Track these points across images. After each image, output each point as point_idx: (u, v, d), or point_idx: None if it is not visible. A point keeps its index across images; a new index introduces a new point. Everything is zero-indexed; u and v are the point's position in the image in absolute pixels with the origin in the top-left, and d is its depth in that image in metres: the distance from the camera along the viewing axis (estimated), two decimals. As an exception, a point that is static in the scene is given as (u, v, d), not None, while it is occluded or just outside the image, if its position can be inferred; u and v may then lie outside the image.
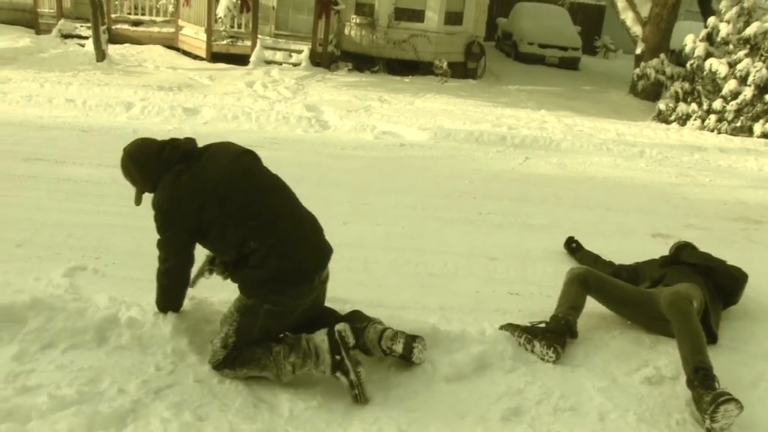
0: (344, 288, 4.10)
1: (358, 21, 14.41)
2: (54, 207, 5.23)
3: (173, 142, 3.32)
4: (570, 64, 18.76)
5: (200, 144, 3.39)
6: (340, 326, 3.15)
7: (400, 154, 7.93)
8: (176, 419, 2.83)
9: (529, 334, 3.66)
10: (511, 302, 4.32)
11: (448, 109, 10.92)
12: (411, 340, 3.29)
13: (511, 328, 3.73)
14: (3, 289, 3.61)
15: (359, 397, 3.11)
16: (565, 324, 3.72)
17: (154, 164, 3.23)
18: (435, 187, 6.68)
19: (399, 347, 3.27)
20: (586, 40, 20.57)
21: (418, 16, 14.25)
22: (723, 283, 4.16)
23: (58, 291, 3.69)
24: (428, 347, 3.42)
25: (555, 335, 3.64)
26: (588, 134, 10.03)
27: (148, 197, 3.30)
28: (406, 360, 3.33)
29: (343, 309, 3.74)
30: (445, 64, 13.74)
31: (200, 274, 3.52)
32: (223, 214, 3.09)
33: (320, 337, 3.15)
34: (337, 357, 3.10)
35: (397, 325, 3.48)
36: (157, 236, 3.20)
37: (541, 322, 3.75)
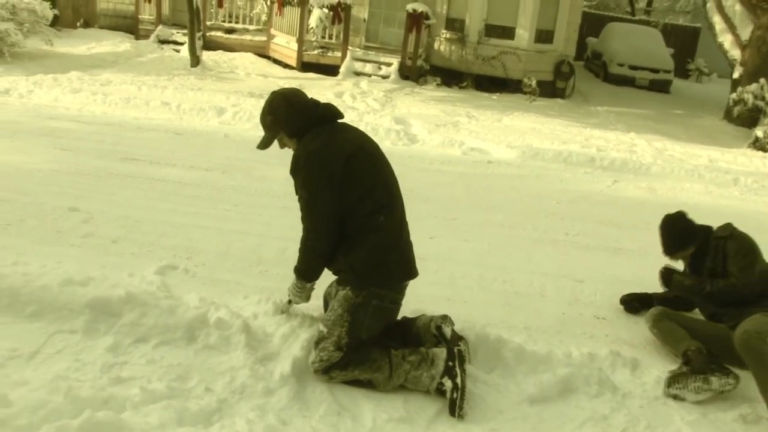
0: (430, 302, 4.10)
1: (448, 36, 14.45)
2: (148, 206, 5.43)
3: (324, 103, 3.39)
4: (661, 87, 18.30)
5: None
6: (462, 345, 3.31)
7: (487, 171, 7.89)
8: (261, 421, 2.88)
9: (698, 373, 3.50)
10: (597, 326, 4.22)
11: (536, 128, 10.81)
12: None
13: (678, 382, 3.51)
14: (100, 282, 3.76)
15: (457, 402, 3.12)
16: (708, 352, 3.61)
17: (308, 114, 3.27)
18: (522, 205, 6.61)
19: (448, 330, 3.39)
20: (678, 62, 20.02)
21: (508, 33, 14.19)
22: None
23: (151, 288, 3.81)
24: (513, 366, 3.39)
25: (717, 364, 3.54)
26: (679, 159, 9.73)
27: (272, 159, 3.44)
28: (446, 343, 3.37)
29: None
30: (533, 83, 13.62)
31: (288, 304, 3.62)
32: (366, 180, 3.21)
33: (440, 349, 3.27)
34: (450, 363, 3.18)
35: (483, 343, 3.46)
36: (298, 197, 3.24)
37: (684, 365, 3.60)
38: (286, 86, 3.45)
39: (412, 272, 3.37)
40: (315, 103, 3.33)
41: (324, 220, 3.20)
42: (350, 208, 3.18)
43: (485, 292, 4.55)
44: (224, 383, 3.10)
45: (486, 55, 14.17)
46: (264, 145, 3.39)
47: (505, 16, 14.16)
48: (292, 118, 3.26)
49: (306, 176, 3.18)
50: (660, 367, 3.69)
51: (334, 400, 3.13)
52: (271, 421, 2.90)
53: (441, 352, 3.24)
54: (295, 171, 3.21)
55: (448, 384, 3.16)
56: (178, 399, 2.94)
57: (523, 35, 14.11)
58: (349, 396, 3.17)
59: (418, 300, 4.07)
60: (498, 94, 13.84)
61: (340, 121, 3.40)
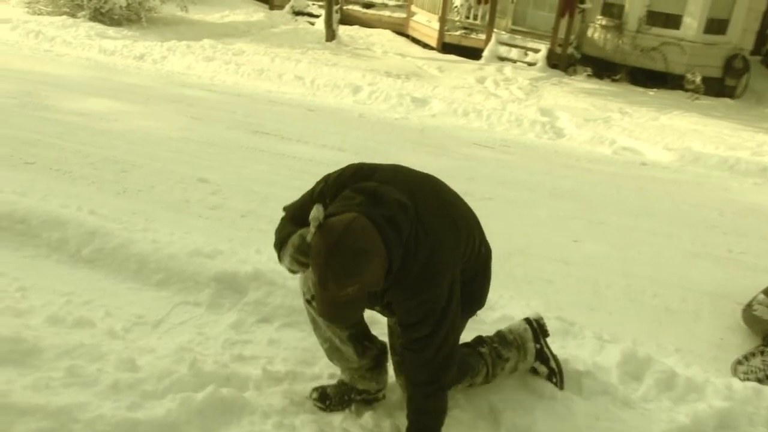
0: (571, 310, 4.04)
1: (603, 22, 14.04)
2: (277, 182, 5.61)
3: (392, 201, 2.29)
4: None
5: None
6: (536, 315, 3.20)
7: (640, 173, 7.62)
8: (388, 417, 2.91)
9: None
10: (764, 359, 4.00)
11: (698, 129, 10.33)
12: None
13: None
14: (228, 257, 3.94)
15: (559, 385, 3.11)
16: None
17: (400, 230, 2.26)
18: (678, 214, 6.34)
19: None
20: None
21: (673, 21, 13.58)
22: None
23: (279, 267, 3.92)
24: (661, 391, 3.27)
25: None
26: None
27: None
28: None
29: (570, 331, 3.68)
30: (698, 79, 13.00)
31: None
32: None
33: (522, 326, 3.16)
34: (537, 345, 3.13)
35: (629, 359, 3.36)
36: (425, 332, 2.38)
37: None
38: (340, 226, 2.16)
39: None
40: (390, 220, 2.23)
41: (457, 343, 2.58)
42: None
43: (633, 304, 4.42)
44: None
45: (645, 45, 13.65)
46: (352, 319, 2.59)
47: (672, 1, 13.59)
48: (390, 257, 2.23)
49: (443, 308, 2.38)
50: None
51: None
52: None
53: (525, 332, 3.14)
54: (428, 285, 2.33)
55: (542, 370, 3.13)
56: (300, 384, 3.02)
57: (691, 24, 13.47)
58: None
59: (559, 307, 4.02)
60: (655, 89, 13.31)
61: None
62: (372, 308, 2.56)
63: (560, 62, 13.49)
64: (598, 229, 5.62)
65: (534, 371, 3.18)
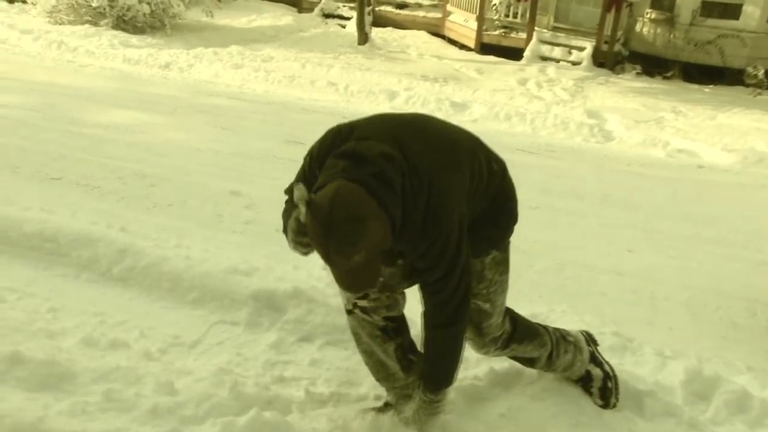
0: (627, 324, 4.01)
1: (653, 16, 13.95)
2: (313, 194, 5.64)
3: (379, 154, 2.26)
4: None
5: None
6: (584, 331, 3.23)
7: (697, 176, 7.55)
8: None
9: None
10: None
11: (761, 128, 10.20)
12: None
13: None
14: (265, 274, 3.98)
15: (613, 390, 3.09)
16: None
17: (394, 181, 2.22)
18: (743, 221, 6.26)
19: None
20: None
21: (732, 11, 13.42)
22: None
23: (319, 284, 3.97)
24: (732, 413, 3.22)
25: None
26: None
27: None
28: None
29: (628, 347, 3.65)
30: (760, 73, 12.83)
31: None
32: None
33: (573, 330, 3.17)
34: (590, 348, 3.14)
35: (695, 378, 3.32)
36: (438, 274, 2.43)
37: None
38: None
39: None
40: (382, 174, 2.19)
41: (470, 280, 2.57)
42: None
43: (695, 319, 4.37)
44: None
45: (700, 39, 13.53)
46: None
47: (730, -11, 13.43)
48: (390, 215, 2.18)
49: (455, 243, 2.39)
50: None
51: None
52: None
53: (578, 334, 3.13)
54: (436, 242, 2.35)
55: (597, 372, 3.10)
56: (345, 406, 3.05)
57: (753, 13, 13.27)
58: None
59: (614, 321, 3.99)
60: (711, 86, 13.19)
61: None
62: (392, 267, 2.57)
63: (607, 60, 13.44)
64: (653, 238, 5.58)
65: (586, 379, 3.14)
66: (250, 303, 3.72)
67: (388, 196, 2.14)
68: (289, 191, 2.46)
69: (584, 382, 3.15)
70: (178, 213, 5.14)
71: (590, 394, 3.13)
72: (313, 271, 4.20)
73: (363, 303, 2.75)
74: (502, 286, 2.81)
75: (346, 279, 2.22)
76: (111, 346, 3.29)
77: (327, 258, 2.13)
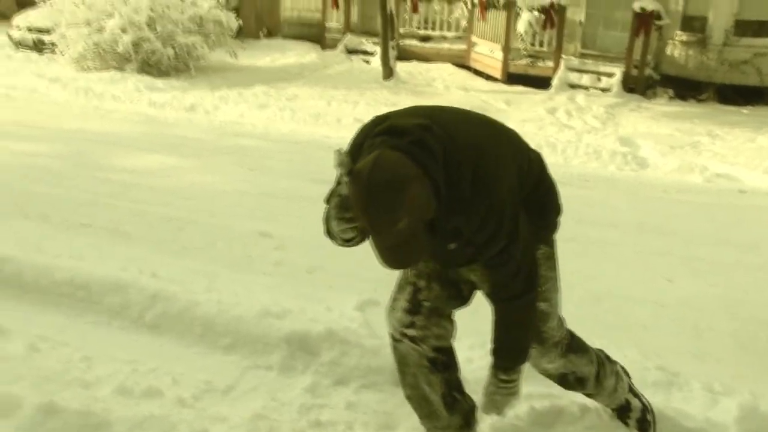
0: (672, 355, 3.97)
1: (684, 38, 13.93)
2: (343, 234, 5.68)
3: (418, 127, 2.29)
4: None
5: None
6: None
7: (738, 201, 7.49)
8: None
9: None
10: None
11: (803, 149, 10.11)
12: None
13: None
14: (297, 316, 4.01)
15: (652, 424, 3.08)
16: None
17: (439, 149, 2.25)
18: (788, 246, 6.19)
19: None
20: None
21: (767, 29, 13.36)
22: None
23: (352, 325, 3.98)
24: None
25: None
26: None
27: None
28: None
29: (675, 382, 3.60)
30: (800, 91, 12.75)
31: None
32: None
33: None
34: (627, 378, 3.13)
35: (749, 415, 3.26)
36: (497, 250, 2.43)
37: None
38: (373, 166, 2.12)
39: None
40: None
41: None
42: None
43: (744, 351, 4.29)
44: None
45: (734, 59, 13.46)
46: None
47: (764, 6, 13.31)
48: (432, 179, 2.18)
49: (509, 220, 2.41)
50: None
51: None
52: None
53: (614, 365, 3.08)
54: (492, 209, 2.34)
55: (635, 403, 3.09)
56: (383, 451, 3.05)
57: (789, 30, 13.19)
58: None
59: (658, 355, 3.95)
60: (749, 107, 13.07)
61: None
62: (449, 247, 2.47)
63: (638, 85, 13.41)
64: (694, 267, 5.52)
65: (625, 409, 3.11)
66: (283, 346, 3.74)
67: (429, 161, 2.15)
68: (329, 197, 2.44)
69: (622, 411, 3.12)
70: (207, 256, 5.20)
71: (627, 425, 3.10)
72: (345, 311, 4.22)
73: (411, 332, 2.77)
74: (555, 284, 2.83)
75: (391, 252, 2.18)
76: (145, 394, 3.32)
77: (372, 225, 2.11)
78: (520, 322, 2.61)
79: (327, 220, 2.40)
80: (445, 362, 2.84)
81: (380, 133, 2.26)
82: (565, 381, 2.99)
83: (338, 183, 2.27)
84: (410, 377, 2.84)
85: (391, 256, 2.18)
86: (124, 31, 12.87)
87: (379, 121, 2.38)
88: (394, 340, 2.84)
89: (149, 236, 5.54)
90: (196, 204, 6.34)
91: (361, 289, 4.62)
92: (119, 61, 13.12)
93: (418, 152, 2.14)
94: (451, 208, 2.25)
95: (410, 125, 2.23)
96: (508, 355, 2.65)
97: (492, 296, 2.60)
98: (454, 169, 2.23)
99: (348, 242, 2.38)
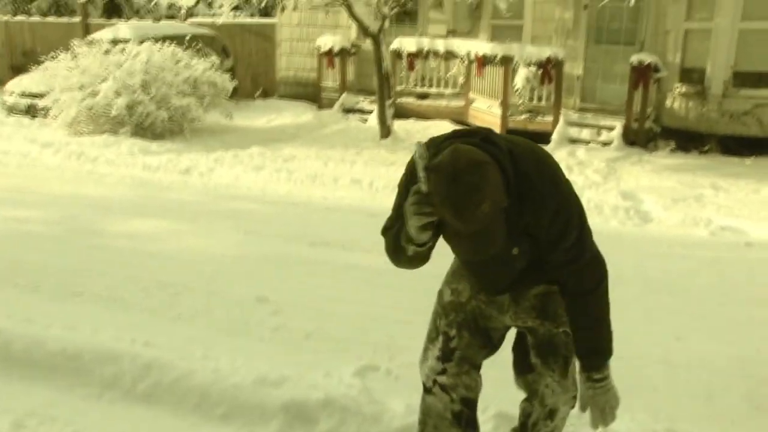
0: (683, 417, 3.93)
1: (683, 90, 14.06)
2: (341, 297, 5.68)
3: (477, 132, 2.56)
4: None
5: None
6: None
7: (746, 255, 7.47)
8: None
9: None
10: None
11: (809, 199, 10.13)
12: None
13: None
14: (295, 383, 3.98)
15: None
16: None
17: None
18: (797, 299, 6.16)
19: None
20: None
21: (766, 80, 13.50)
22: None
23: (351, 391, 3.94)
24: None
25: None
26: None
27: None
28: None
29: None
30: (803, 141, 12.82)
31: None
32: None
33: None
34: None
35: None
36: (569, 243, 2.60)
37: None
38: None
39: None
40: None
41: None
42: None
43: (758, 412, 4.22)
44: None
45: (735, 110, 13.58)
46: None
47: (762, 58, 13.46)
48: (502, 167, 2.40)
49: (582, 220, 2.65)
50: None
51: None
52: None
53: None
54: (543, 198, 2.52)
55: None
56: None
57: (787, 81, 13.32)
58: None
59: (669, 419, 3.90)
60: (752, 157, 13.12)
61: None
62: (513, 252, 2.63)
63: (638, 138, 13.49)
64: (703, 324, 5.48)
65: None
66: (280, 416, 3.70)
67: (498, 153, 2.38)
68: (388, 225, 2.67)
69: None
70: (203, 322, 5.17)
71: None
72: (344, 377, 4.19)
73: (443, 379, 2.90)
74: (566, 342, 2.95)
75: (473, 240, 2.34)
76: (137, 470, 3.27)
77: (457, 210, 2.24)
78: (601, 314, 2.76)
79: (394, 236, 2.56)
80: (468, 418, 2.93)
81: (448, 138, 2.51)
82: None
83: (400, 191, 2.60)
84: (431, 428, 2.93)
85: (473, 245, 2.36)
86: (118, 94, 12.98)
87: (442, 138, 2.57)
88: (425, 389, 2.97)
89: (144, 303, 5.52)
90: (192, 269, 6.33)
91: (359, 354, 4.59)
92: (113, 125, 13.21)
93: (488, 146, 2.38)
94: (521, 202, 2.44)
95: (474, 132, 2.51)
96: (597, 351, 2.80)
97: (570, 296, 2.75)
98: (520, 165, 2.45)
99: (421, 247, 2.48)
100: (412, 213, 2.38)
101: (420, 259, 2.58)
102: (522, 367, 3.03)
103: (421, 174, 2.31)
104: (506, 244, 2.47)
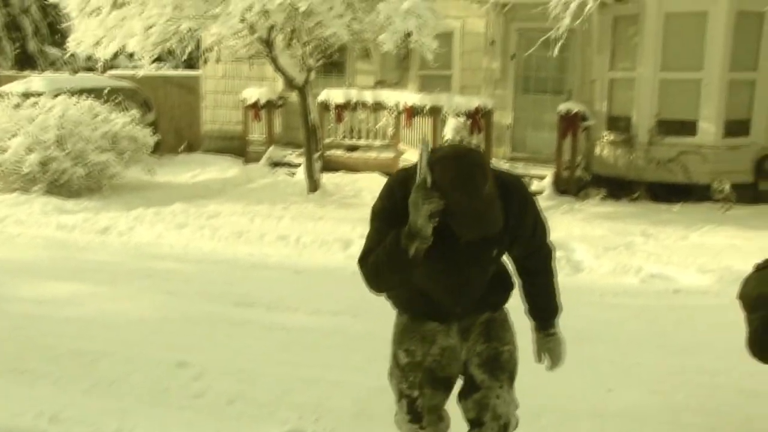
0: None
1: (611, 138, 14.44)
2: (267, 358, 5.62)
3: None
4: None
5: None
6: None
7: (675, 302, 7.64)
8: None
9: None
10: None
11: (735, 244, 10.42)
12: None
13: None
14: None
15: None
16: None
17: None
18: (728, 346, 6.22)
19: None
20: None
21: (688, 128, 13.93)
22: None
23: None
24: None
25: None
26: None
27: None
28: None
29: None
30: (727, 187, 13.21)
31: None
32: None
33: None
34: None
35: None
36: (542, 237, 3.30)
37: None
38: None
39: None
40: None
41: None
42: None
43: (688, 461, 4.31)
44: None
45: (661, 157, 13.97)
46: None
47: (683, 107, 13.93)
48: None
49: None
50: None
51: None
52: None
53: None
54: (526, 201, 3.10)
55: None
56: None
57: (708, 129, 13.78)
58: None
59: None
60: (680, 204, 13.48)
61: None
62: (496, 249, 3.10)
63: (569, 187, 13.76)
64: (634, 373, 5.57)
65: None
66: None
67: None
68: (367, 251, 2.99)
69: None
70: (119, 391, 5.05)
71: None
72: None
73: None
74: (515, 359, 3.48)
75: (480, 217, 2.70)
76: None
77: (465, 189, 2.65)
78: (553, 281, 3.41)
79: (388, 246, 2.83)
80: None
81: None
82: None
83: (380, 215, 3.05)
84: None
85: (480, 221, 2.71)
86: (30, 150, 12.69)
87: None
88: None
89: (55, 373, 5.36)
90: (110, 334, 6.20)
91: (285, 418, 4.55)
92: (24, 182, 12.87)
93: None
94: (507, 205, 2.86)
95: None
96: (552, 310, 3.49)
97: (532, 274, 3.35)
98: (499, 172, 2.99)
99: (424, 244, 2.76)
100: (422, 202, 2.69)
101: (413, 265, 2.82)
102: (468, 391, 3.29)
103: (426, 168, 2.69)
104: (488, 245, 2.98)
